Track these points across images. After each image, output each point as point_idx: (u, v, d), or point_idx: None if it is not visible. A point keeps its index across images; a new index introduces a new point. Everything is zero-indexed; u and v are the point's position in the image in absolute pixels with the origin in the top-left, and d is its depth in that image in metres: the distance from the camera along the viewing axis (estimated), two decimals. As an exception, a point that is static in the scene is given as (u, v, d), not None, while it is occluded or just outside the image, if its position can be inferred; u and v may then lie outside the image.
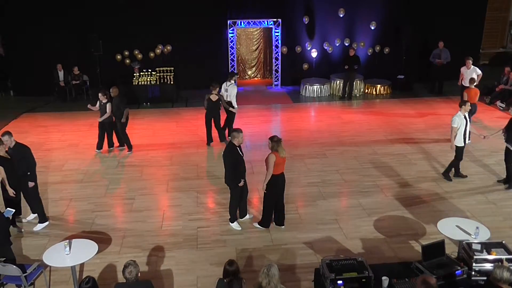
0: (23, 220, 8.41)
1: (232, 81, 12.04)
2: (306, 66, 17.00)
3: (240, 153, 7.90)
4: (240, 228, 8.13)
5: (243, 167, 8.00)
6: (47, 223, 8.30)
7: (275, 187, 7.74)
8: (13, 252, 6.72)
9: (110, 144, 11.68)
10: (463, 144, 9.55)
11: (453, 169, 9.92)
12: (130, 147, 11.59)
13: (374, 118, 13.93)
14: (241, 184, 7.93)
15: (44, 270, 6.62)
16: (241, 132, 7.87)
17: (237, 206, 8.22)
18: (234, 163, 7.79)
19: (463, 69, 13.14)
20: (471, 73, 12.86)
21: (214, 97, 11.55)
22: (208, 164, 10.87)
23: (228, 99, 11.87)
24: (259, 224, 8.12)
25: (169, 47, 16.35)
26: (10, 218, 7.13)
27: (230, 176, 7.89)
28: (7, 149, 7.78)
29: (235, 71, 16.87)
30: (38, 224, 8.24)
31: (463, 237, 6.45)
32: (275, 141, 7.54)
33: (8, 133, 7.84)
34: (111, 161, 11.17)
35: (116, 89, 11.15)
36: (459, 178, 9.84)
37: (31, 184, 7.98)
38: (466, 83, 12.52)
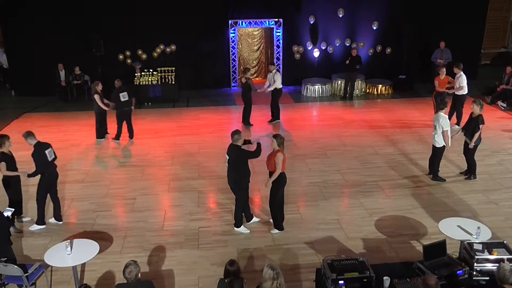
0: (24, 219, 8.44)
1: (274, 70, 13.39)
2: (297, 56, 16.95)
3: (245, 154, 7.84)
4: (248, 231, 8.06)
5: (249, 169, 7.89)
6: (43, 227, 8.27)
7: (283, 186, 7.78)
8: (13, 252, 6.72)
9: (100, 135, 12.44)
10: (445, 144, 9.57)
11: (434, 170, 9.93)
12: (116, 137, 12.34)
13: (375, 118, 13.92)
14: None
15: (46, 270, 6.63)
16: (241, 133, 7.85)
17: (243, 211, 8.15)
18: (243, 164, 7.73)
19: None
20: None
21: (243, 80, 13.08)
22: (210, 164, 10.86)
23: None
24: (275, 228, 8.06)
25: (173, 47, 16.37)
26: (10, 217, 7.11)
27: (238, 178, 7.79)
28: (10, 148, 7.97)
29: (236, 71, 16.95)
30: (34, 225, 8.26)
31: (465, 237, 6.45)
32: (279, 139, 7.54)
33: (26, 134, 7.94)
34: (113, 161, 11.18)
35: (116, 81, 12.10)
36: (437, 181, 9.82)
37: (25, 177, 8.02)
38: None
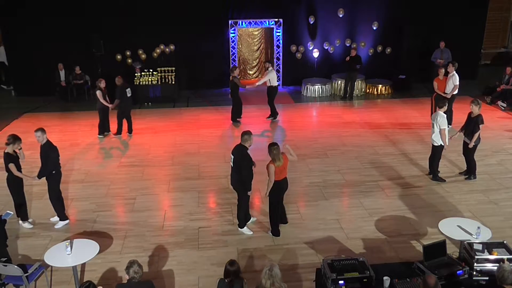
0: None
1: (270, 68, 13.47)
2: (299, 55, 16.95)
3: (250, 156, 7.76)
4: (251, 233, 8.02)
5: (252, 171, 7.83)
6: (66, 222, 8.35)
7: (277, 194, 7.69)
8: (8, 253, 6.77)
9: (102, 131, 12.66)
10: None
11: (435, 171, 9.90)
12: (118, 132, 12.68)
13: (375, 118, 13.92)
14: (250, 193, 7.83)
15: (46, 270, 6.64)
16: (251, 135, 7.76)
17: (246, 212, 8.14)
18: (248, 166, 7.67)
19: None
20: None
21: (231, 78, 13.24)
22: (210, 164, 10.86)
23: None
24: (271, 233, 8.01)
25: (172, 47, 16.37)
26: (7, 220, 7.07)
27: (242, 180, 7.70)
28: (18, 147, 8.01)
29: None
30: (58, 222, 8.34)
31: (464, 237, 6.45)
32: (271, 150, 7.39)
33: (42, 130, 7.96)
34: (113, 161, 11.18)
35: (117, 78, 12.33)
36: (437, 181, 9.80)
37: (36, 180, 8.06)
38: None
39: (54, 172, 8.10)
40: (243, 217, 8.07)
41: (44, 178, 8.11)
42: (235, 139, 12.48)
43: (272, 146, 7.43)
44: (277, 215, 7.90)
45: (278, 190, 7.64)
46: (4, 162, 7.80)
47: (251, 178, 7.77)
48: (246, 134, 7.70)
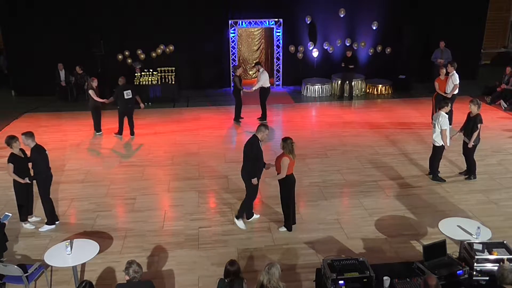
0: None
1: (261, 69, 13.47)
2: (300, 55, 16.96)
3: (261, 148, 7.82)
4: (244, 228, 8.07)
5: (262, 163, 7.91)
6: (53, 226, 8.26)
7: (291, 187, 7.77)
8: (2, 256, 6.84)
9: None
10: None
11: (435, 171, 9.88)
12: (119, 132, 12.69)
13: (375, 118, 13.92)
14: (255, 182, 7.84)
15: (46, 270, 6.64)
16: (268, 129, 7.86)
17: (251, 205, 8.17)
18: (255, 157, 7.70)
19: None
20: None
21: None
22: (210, 164, 10.86)
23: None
24: (285, 227, 8.06)
25: (171, 47, 16.38)
26: (6, 223, 7.04)
27: (250, 170, 7.76)
28: (22, 147, 7.99)
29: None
30: (44, 225, 8.25)
31: (464, 237, 6.45)
32: (288, 143, 7.50)
33: (26, 134, 7.89)
34: (112, 161, 11.18)
35: (120, 78, 12.44)
36: (437, 181, 9.78)
37: (24, 180, 7.93)
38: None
39: (44, 176, 8.04)
40: (243, 211, 8.11)
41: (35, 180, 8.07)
42: (235, 139, 12.53)
43: (288, 139, 7.53)
44: (290, 210, 7.93)
45: (290, 184, 7.72)
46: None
47: (255, 168, 7.78)
48: (263, 125, 7.80)
